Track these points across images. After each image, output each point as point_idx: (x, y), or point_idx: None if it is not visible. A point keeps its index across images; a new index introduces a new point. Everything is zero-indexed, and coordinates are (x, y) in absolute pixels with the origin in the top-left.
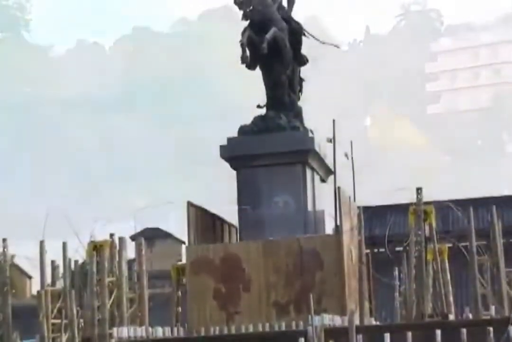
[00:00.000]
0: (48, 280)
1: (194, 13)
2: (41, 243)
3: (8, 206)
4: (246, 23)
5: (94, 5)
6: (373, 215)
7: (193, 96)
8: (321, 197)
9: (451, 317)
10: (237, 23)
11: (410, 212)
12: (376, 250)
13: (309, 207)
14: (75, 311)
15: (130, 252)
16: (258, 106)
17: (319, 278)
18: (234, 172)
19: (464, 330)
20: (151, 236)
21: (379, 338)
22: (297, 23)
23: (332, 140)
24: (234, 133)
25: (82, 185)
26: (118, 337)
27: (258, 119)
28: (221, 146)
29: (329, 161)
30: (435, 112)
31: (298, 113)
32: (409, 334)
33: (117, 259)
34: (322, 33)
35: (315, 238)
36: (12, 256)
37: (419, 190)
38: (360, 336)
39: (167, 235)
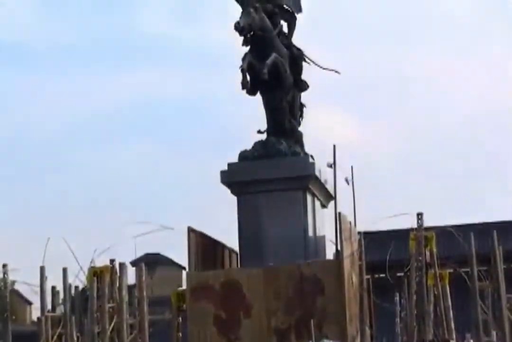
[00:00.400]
0: (49, 306)
1: None
2: (42, 269)
3: (8, 230)
4: (246, 49)
5: None
6: (374, 240)
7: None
8: (322, 222)
9: None
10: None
11: (410, 238)
12: (376, 276)
13: (310, 233)
14: (75, 337)
15: (131, 277)
16: (259, 132)
17: (320, 304)
18: (235, 198)
19: None
20: (152, 262)
21: None
22: (298, 49)
23: (333, 165)
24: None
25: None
26: None
27: (258, 144)
28: (222, 172)
29: (330, 186)
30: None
31: (298, 139)
32: None
33: (117, 284)
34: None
35: (316, 264)
36: (13, 282)
37: (419, 215)
38: None
39: (167, 261)
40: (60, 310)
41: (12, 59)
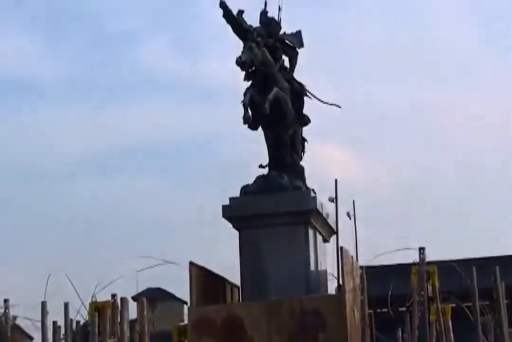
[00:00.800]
0: (50, 341)
1: None
2: (43, 304)
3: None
4: (248, 83)
5: None
6: (375, 275)
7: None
8: (323, 256)
9: None
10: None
11: (412, 272)
12: (379, 310)
13: (312, 267)
14: None
15: (132, 312)
16: (260, 166)
17: (322, 339)
18: (236, 232)
19: None
20: (153, 296)
21: None
22: (299, 83)
23: (334, 200)
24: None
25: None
26: None
27: (260, 179)
28: (223, 206)
29: (331, 220)
30: None
31: (300, 173)
32: None
33: (118, 319)
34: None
35: (317, 298)
36: (14, 317)
37: (421, 250)
38: None
39: (169, 295)
40: None
41: (19, 92)
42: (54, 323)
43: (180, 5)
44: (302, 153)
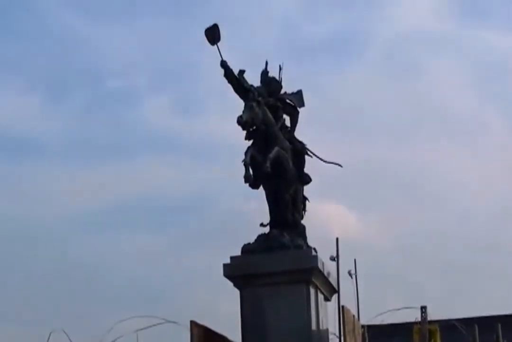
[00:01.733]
0: None
1: None
2: None
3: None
4: (249, 142)
5: None
6: (377, 334)
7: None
8: (325, 315)
9: None
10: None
11: (414, 331)
12: None
13: (313, 326)
14: None
15: None
16: (262, 225)
17: None
18: (237, 290)
19: None
20: None
21: None
22: (300, 143)
23: (336, 258)
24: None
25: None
26: None
27: (261, 237)
28: (224, 265)
29: (333, 279)
30: None
31: (301, 232)
32: None
33: None
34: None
35: None
36: None
37: (423, 309)
38: None
39: None
40: None
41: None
42: None
43: (182, 65)
44: (303, 212)
